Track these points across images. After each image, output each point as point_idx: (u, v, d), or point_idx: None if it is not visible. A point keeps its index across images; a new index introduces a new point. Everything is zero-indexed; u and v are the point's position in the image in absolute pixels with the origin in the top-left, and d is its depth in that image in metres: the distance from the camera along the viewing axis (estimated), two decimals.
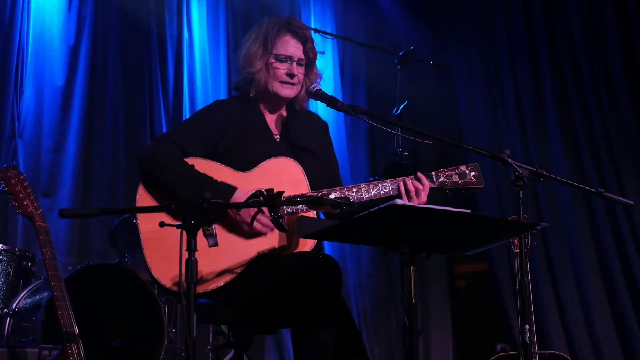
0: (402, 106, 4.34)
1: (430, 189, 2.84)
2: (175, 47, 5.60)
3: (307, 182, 2.81)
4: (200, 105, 5.52)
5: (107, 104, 5.28)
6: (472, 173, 2.85)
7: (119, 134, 5.26)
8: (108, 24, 5.39)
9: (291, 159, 2.84)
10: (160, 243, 2.62)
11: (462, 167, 2.85)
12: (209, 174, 2.74)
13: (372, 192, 2.78)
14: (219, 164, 2.80)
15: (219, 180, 2.73)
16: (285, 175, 2.81)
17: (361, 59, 6.26)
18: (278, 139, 3.00)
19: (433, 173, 2.85)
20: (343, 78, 6.22)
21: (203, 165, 2.77)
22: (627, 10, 5.57)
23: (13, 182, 2.78)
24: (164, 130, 5.32)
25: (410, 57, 4.50)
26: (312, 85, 2.96)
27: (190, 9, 5.76)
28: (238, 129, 2.90)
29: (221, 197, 2.64)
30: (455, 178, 2.83)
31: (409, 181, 2.81)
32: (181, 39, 5.63)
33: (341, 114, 2.93)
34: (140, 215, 2.73)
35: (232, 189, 2.69)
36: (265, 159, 2.82)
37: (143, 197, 2.75)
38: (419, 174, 2.83)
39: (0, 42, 4.92)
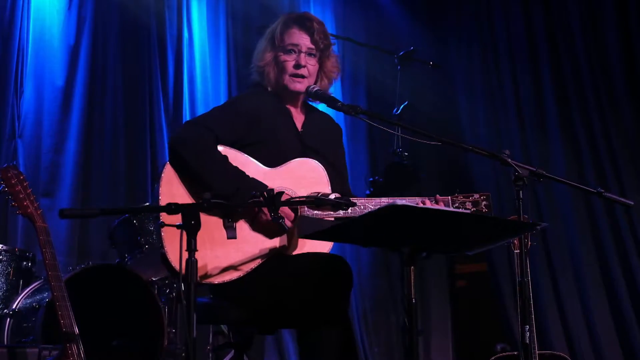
0: (402, 106, 4.34)
1: None
2: (175, 47, 5.60)
3: (330, 186, 2.82)
4: (200, 105, 5.53)
5: (107, 104, 5.27)
6: (484, 202, 2.92)
7: (119, 134, 5.26)
8: (108, 24, 5.39)
9: (316, 162, 2.86)
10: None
11: (476, 195, 2.92)
12: (237, 165, 2.74)
13: None
14: (247, 157, 2.80)
15: (249, 175, 2.73)
16: (310, 177, 2.83)
17: (361, 59, 6.25)
18: (301, 138, 2.99)
19: (449, 198, 2.89)
20: (343, 78, 6.21)
21: (232, 158, 2.77)
22: (627, 10, 5.57)
23: (13, 182, 2.78)
24: (164, 130, 5.33)
25: (410, 57, 4.50)
26: (312, 86, 2.96)
27: (190, 9, 5.75)
28: (268, 121, 2.89)
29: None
30: (468, 205, 2.90)
31: (427, 202, 2.84)
32: (181, 39, 5.63)
33: (341, 114, 2.94)
34: (162, 193, 2.69)
35: (263, 187, 2.68)
36: (291, 157, 2.83)
37: (169, 177, 2.72)
38: (438, 197, 2.87)
39: (0, 42, 4.92)
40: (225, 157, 2.74)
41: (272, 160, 2.82)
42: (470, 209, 2.88)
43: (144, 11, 5.49)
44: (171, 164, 2.74)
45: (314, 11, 6.25)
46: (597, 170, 5.52)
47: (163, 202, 2.68)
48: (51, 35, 5.15)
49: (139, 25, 5.49)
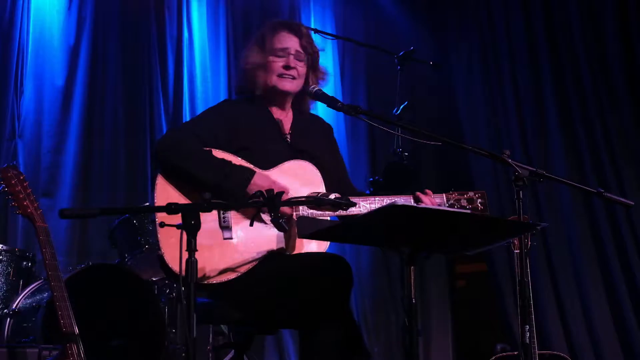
0: (402, 106, 4.34)
1: None
2: (175, 47, 5.60)
3: (324, 186, 2.82)
4: (200, 105, 5.53)
5: (107, 104, 5.28)
6: (479, 200, 2.90)
7: (119, 134, 5.27)
8: (108, 24, 5.39)
9: (309, 163, 2.86)
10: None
11: (471, 193, 2.91)
12: None
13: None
14: (241, 160, 2.81)
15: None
16: (304, 178, 2.84)
17: (361, 59, 6.26)
18: (288, 140, 3.01)
19: (444, 195, 2.89)
20: (343, 78, 6.22)
21: (225, 158, 2.78)
22: (627, 10, 5.57)
23: (13, 182, 2.78)
24: (164, 130, 5.32)
25: (410, 57, 4.50)
26: (312, 86, 2.97)
27: (190, 9, 5.75)
28: (250, 128, 2.91)
29: (241, 180, 2.66)
30: (464, 202, 2.89)
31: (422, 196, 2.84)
32: (181, 39, 5.63)
33: (341, 114, 2.94)
34: (157, 197, 2.72)
35: (251, 173, 2.70)
36: (280, 160, 2.84)
37: (162, 186, 2.74)
38: (430, 193, 2.87)
39: (0, 42, 4.92)
40: (210, 151, 2.75)
41: (262, 165, 2.83)
42: (466, 206, 2.87)
43: (144, 11, 5.50)
44: (162, 173, 2.76)
45: (314, 11, 6.25)
46: (597, 170, 5.52)
47: (158, 215, 2.69)
48: (51, 35, 5.16)
49: (139, 25, 5.49)
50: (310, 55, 3.01)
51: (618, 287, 5.31)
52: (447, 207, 2.85)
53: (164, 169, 2.76)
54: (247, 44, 3.05)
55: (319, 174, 2.84)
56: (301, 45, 2.98)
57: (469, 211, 2.80)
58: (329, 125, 3.21)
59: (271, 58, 2.94)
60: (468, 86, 6.16)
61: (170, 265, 2.64)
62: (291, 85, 2.96)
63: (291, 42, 2.96)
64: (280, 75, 2.94)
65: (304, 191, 2.75)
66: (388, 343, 5.86)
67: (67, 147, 5.06)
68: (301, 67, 2.97)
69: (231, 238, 2.66)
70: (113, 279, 3.85)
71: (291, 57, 2.95)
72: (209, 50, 5.76)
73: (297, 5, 6.17)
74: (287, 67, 2.93)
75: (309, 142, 3.00)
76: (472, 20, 6.25)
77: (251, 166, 2.80)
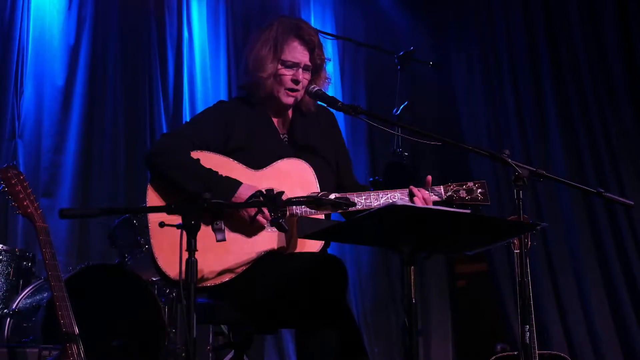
0: (402, 106, 4.34)
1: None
2: (175, 47, 5.60)
3: (318, 184, 2.82)
4: (200, 105, 5.53)
5: (107, 104, 5.28)
6: (479, 190, 2.86)
7: (119, 134, 5.26)
8: (108, 24, 5.39)
9: (303, 161, 2.85)
10: (168, 232, 2.55)
11: (470, 184, 2.87)
12: (222, 169, 2.74)
13: (381, 201, 2.78)
14: (232, 160, 2.81)
15: (230, 176, 2.73)
16: (296, 177, 2.82)
17: (361, 59, 6.26)
18: (285, 140, 3.00)
19: (442, 187, 2.86)
20: (343, 78, 6.22)
21: (216, 161, 2.78)
22: (627, 10, 5.57)
23: (13, 182, 2.78)
24: (164, 130, 5.33)
25: (410, 57, 4.50)
26: (312, 86, 2.96)
27: (190, 9, 5.76)
28: (246, 128, 2.91)
29: (226, 192, 2.65)
30: (463, 193, 2.85)
31: (416, 190, 2.82)
32: (181, 39, 5.63)
33: (341, 113, 2.94)
34: (149, 202, 2.75)
35: (236, 184, 2.69)
36: (276, 159, 2.83)
37: (152, 193, 2.77)
38: (428, 178, 2.85)
39: (0, 42, 4.92)
40: (197, 160, 2.74)
41: (256, 164, 2.82)
42: (465, 197, 2.85)
43: (143, 11, 5.50)
44: (151, 179, 2.78)
45: (314, 11, 6.25)
46: (597, 170, 5.52)
47: (151, 220, 2.71)
48: (51, 35, 5.16)
49: (139, 25, 5.49)
50: (317, 66, 3.00)
51: (618, 287, 5.31)
52: (445, 198, 2.83)
53: (152, 174, 2.78)
54: (256, 39, 2.99)
55: (313, 173, 2.83)
56: (311, 59, 2.96)
57: (468, 210, 2.79)
58: (331, 114, 3.17)
59: (281, 70, 2.92)
60: (468, 86, 6.17)
61: (164, 270, 2.65)
62: (294, 100, 2.96)
63: (302, 56, 2.93)
64: (288, 89, 2.93)
65: (295, 191, 2.74)
66: (388, 343, 5.86)
67: (67, 147, 5.06)
68: (306, 79, 2.96)
69: (224, 240, 2.66)
70: (113, 279, 3.86)
71: (300, 70, 2.93)
72: (209, 50, 5.76)
73: (297, 5, 6.17)
74: (295, 81, 2.92)
75: (308, 141, 3.00)
76: (472, 20, 6.26)
77: (243, 167, 2.79)
